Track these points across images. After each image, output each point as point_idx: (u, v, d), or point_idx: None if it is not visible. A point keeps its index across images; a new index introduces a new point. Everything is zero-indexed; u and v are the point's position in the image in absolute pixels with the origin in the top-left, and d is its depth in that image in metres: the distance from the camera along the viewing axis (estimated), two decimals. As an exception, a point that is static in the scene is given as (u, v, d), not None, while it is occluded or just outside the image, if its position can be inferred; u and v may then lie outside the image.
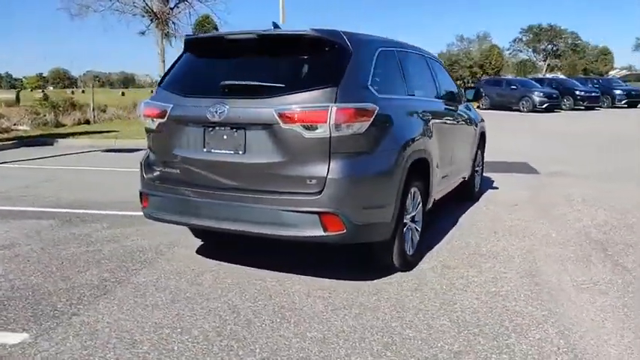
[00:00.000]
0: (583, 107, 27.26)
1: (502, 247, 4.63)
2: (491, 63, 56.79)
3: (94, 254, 4.44)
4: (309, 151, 3.29)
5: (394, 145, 3.65)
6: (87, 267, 4.13)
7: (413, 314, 3.27)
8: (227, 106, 3.43)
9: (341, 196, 3.27)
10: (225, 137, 3.52)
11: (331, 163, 3.28)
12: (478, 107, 27.54)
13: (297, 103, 3.29)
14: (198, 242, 4.74)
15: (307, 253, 4.36)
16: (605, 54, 63.03)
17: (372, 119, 3.38)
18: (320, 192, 3.27)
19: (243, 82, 3.53)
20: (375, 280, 3.82)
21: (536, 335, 2.99)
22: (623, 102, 28.73)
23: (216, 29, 22.29)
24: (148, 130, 3.93)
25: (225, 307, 3.39)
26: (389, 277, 3.90)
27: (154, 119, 3.80)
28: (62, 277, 3.92)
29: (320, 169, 3.29)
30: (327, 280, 3.82)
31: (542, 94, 25.50)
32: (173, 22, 16.25)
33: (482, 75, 51.43)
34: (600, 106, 28.04)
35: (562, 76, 39.23)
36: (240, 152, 3.48)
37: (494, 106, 25.76)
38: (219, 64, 3.91)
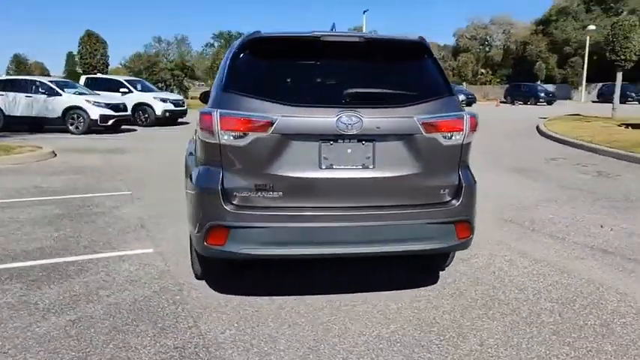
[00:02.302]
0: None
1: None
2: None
3: (90, 324, 3.29)
4: (444, 160, 3.27)
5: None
6: (113, 342, 3.07)
7: (532, 309, 3.56)
8: (362, 117, 3.09)
9: (471, 202, 3.36)
10: (349, 151, 3.15)
11: (460, 171, 3.34)
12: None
13: (436, 111, 3.23)
14: (193, 279, 3.98)
15: (326, 269, 4.19)
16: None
17: None
18: (454, 200, 3.29)
19: (376, 90, 3.24)
20: (439, 283, 3.97)
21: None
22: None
23: None
24: (221, 147, 3.12)
25: (371, 339, 3.10)
26: (443, 278, 4.08)
27: (245, 133, 3.08)
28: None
29: (453, 178, 3.31)
30: (401, 292, 3.79)
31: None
32: None
33: (183, 78, 51.20)
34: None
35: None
36: (370, 167, 3.18)
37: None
38: (319, 68, 3.39)
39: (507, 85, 49.00)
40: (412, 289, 3.82)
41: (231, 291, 3.77)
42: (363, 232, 3.16)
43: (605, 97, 39.58)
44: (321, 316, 3.38)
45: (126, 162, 10.40)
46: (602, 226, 5.62)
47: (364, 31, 42.81)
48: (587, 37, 41.03)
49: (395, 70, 3.45)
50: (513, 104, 42.15)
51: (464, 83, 55.02)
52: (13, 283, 3.99)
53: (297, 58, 3.37)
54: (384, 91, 3.29)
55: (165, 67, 51.87)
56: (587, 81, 44.83)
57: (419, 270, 4.17)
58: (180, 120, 20.86)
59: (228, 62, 3.39)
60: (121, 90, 19.62)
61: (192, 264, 4.11)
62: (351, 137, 3.13)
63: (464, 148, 3.31)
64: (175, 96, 22.69)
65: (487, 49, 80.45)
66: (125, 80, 21.21)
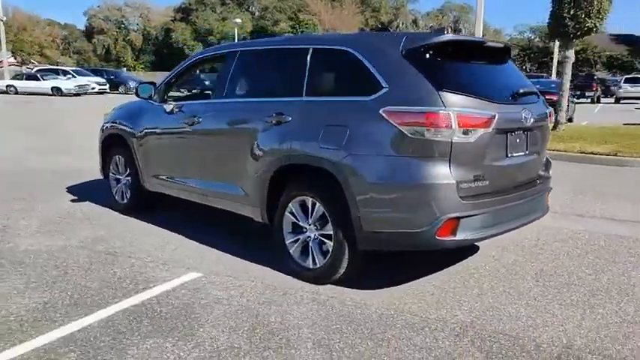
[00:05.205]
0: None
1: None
2: None
3: (350, 342, 3.13)
4: (547, 143, 4.35)
5: None
6: (419, 349, 3.11)
7: (593, 255, 4.96)
8: (531, 111, 3.90)
9: None
10: (518, 140, 3.87)
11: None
12: None
13: (543, 103, 4.29)
14: (311, 285, 3.94)
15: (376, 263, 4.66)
16: None
17: None
18: (546, 173, 4.39)
19: (532, 89, 4.09)
20: (482, 249, 4.98)
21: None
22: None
23: None
24: (452, 144, 3.40)
25: (535, 294, 3.96)
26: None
27: (476, 130, 3.47)
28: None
29: (545, 157, 4.42)
30: (469, 260, 4.63)
31: None
32: None
33: None
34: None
35: None
36: (526, 152, 3.99)
37: None
38: (487, 68, 3.96)
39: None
40: (472, 258, 4.68)
41: (362, 286, 3.91)
42: (526, 206, 4.00)
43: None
44: (472, 286, 4.00)
45: None
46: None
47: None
48: (236, 30, 45.38)
49: (515, 70, 4.31)
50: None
51: (124, 68, 53.16)
52: (148, 339, 3.10)
53: (471, 60, 3.91)
54: (533, 89, 4.17)
55: None
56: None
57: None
58: None
59: (412, 60, 3.55)
60: None
61: (295, 271, 4.11)
62: (521, 129, 3.89)
63: None
64: None
65: (124, 32, 78.91)
66: None
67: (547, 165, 4.49)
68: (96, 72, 38.68)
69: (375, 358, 2.95)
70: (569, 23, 12.32)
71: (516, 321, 3.40)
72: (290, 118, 4.03)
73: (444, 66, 3.68)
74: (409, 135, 3.42)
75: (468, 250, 4.76)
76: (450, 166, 3.44)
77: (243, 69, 4.72)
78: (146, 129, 5.51)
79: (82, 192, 6.89)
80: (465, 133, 3.45)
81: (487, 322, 3.38)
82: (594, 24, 12.34)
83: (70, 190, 7.08)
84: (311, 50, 4.11)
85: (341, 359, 2.93)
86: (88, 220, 5.64)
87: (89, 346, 3.03)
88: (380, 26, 55.09)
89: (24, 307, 3.54)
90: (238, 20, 46.40)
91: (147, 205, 5.90)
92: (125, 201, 5.97)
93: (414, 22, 59.68)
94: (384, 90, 3.57)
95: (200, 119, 4.81)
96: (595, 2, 12.06)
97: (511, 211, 3.85)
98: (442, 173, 3.43)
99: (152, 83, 5.56)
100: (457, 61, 3.78)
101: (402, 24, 55.23)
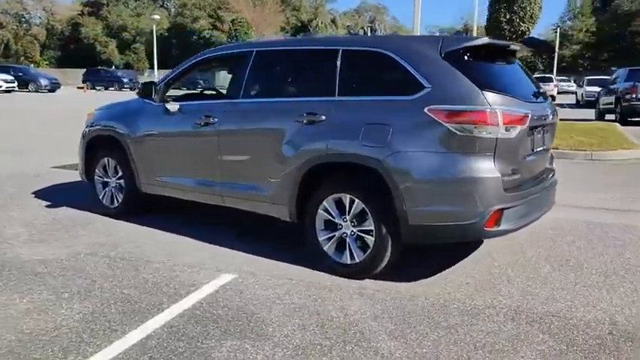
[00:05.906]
0: None
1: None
2: None
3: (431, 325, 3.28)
4: (554, 138, 4.73)
5: None
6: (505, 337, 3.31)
7: (591, 235, 5.39)
8: (548, 109, 4.25)
9: None
10: (539, 136, 4.19)
11: None
12: None
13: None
14: (364, 282, 4.08)
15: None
16: None
17: None
18: (552, 166, 4.76)
19: (544, 89, 4.34)
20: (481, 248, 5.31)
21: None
22: None
23: None
24: (497, 140, 3.63)
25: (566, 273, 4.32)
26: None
27: (515, 127, 3.72)
28: None
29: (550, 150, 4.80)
30: (479, 249, 4.99)
31: None
32: None
33: None
34: None
35: None
36: (545, 147, 4.34)
37: None
38: (509, 69, 4.23)
39: (85, 70, 46.40)
40: (482, 248, 4.97)
41: (400, 279, 4.09)
42: (544, 197, 4.31)
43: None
44: (498, 273, 4.29)
45: None
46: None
47: None
48: (154, 26, 43.77)
49: (524, 71, 4.61)
50: (95, 89, 41.23)
51: (32, 65, 49.56)
52: (223, 341, 3.07)
53: (496, 61, 4.19)
54: (544, 89, 4.48)
55: None
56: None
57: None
58: None
59: (452, 61, 3.74)
60: None
61: (331, 268, 4.16)
62: (542, 125, 4.22)
63: None
64: None
65: (25, 26, 73.71)
66: None
67: (551, 159, 4.87)
68: (1, 69, 35.60)
69: (452, 344, 3.11)
70: (506, 27, 13.16)
71: (556, 303, 3.70)
72: (324, 117, 4.09)
73: (480, 67, 3.94)
74: (457, 132, 3.61)
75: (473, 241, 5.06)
76: (494, 161, 3.69)
77: (264, 69, 4.69)
78: (145, 129, 5.30)
79: (51, 196, 6.55)
80: (507, 129, 3.70)
81: (532, 306, 3.65)
82: (527, 27, 13.27)
83: (38, 194, 6.68)
84: (341, 51, 4.19)
85: (422, 348, 3.07)
86: (80, 226, 5.37)
87: (169, 351, 2.96)
88: (300, 24, 55.45)
89: (70, 318, 3.36)
90: (157, 16, 44.72)
91: (144, 209, 5.68)
92: (116, 205, 5.72)
93: (333, 21, 60.68)
94: (426, 90, 3.73)
95: (215, 119, 4.72)
96: (528, 8, 12.99)
97: (536, 202, 4.16)
98: (489, 167, 3.66)
99: (152, 82, 5.36)
100: (488, 63, 4.08)
101: (322, 23, 55.92)
